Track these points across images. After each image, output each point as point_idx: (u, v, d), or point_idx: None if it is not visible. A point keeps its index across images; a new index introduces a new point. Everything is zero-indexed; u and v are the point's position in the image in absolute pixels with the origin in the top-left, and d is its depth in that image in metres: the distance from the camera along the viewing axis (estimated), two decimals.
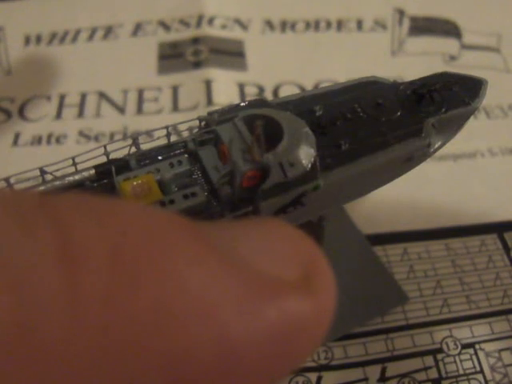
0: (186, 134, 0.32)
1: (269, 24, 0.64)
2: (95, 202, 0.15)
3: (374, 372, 0.38)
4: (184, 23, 0.64)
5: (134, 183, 0.26)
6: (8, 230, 0.13)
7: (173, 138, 0.30)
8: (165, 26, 0.64)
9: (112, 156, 0.29)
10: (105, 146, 0.28)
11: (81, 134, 0.53)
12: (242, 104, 0.29)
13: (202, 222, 0.17)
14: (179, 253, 0.15)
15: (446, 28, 0.65)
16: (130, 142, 0.29)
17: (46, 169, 0.28)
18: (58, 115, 0.55)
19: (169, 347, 0.14)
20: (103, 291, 0.13)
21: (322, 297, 0.17)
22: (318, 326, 0.17)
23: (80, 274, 0.13)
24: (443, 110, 0.32)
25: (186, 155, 0.28)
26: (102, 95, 0.56)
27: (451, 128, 0.32)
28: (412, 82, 0.33)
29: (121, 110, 0.55)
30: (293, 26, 0.64)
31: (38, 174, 0.27)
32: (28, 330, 0.13)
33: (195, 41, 0.62)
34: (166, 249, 0.15)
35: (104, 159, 0.28)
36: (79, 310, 0.13)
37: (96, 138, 0.52)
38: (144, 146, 0.29)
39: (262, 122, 0.25)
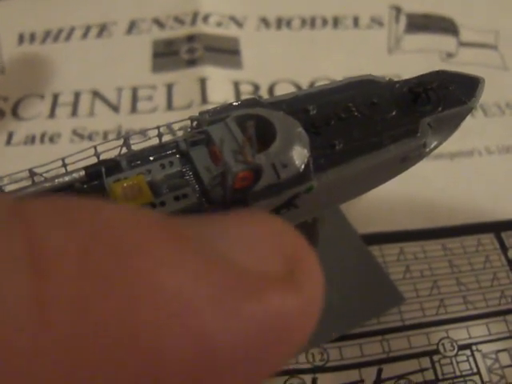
0: (179, 133, 0.31)
1: (264, 21, 0.64)
2: (67, 205, 0.15)
3: (369, 374, 0.37)
4: (179, 21, 0.63)
5: (125, 185, 0.26)
6: None
7: (166, 138, 0.29)
8: (159, 23, 0.63)
9: (103, 156, 0.28)
10: (95, 147, 0.28)
11: (74, 133, 0.52)
12: (235, 104, 0.29)
13: (180, 218, 0.17)
14: (151, 252, 0.15)
15: (443, 25, 0.65)
16: (121, 142, 0.28)
17: (36, 170, 0.27)
18: (52, 114, 0.54)
19: (144, 350, 0.14)
20: (71, 297, 0.13)
21: (308, 290, 0.17)
22: (304, 322, 0.16)
23: (48, 281, 0.13)
24: (439, 109, 0.31)
25: (178, 156, 0.28)
26: (96, 94, 0.56)
27: (447, 127, 0.32)
28: (408, 81, 0.32)
29: (115, 108, 0.55)
30: (288, 23, 0.64)
31: (28, 175, 0.27)
32: None
33: (190, 38, 0.61)
34: (137, 249, 0.14)
35: (95, 160, 0.28)
36: (48, 318, 0.13)
37: (90, 137, 0.52)
38: (135, 147, 0.28)
39: (254, 122, 0.24)
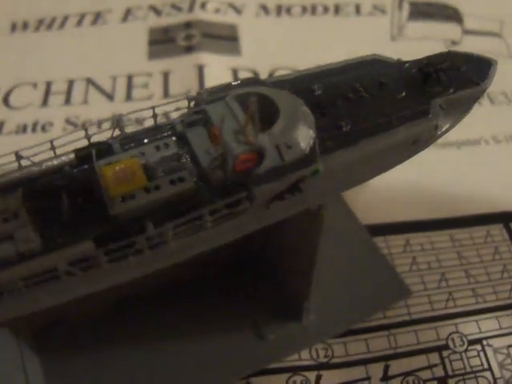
0: (175, 115, 0.29)
1: (264, 8, 0.62)
2: None
3: (376, 370, 0.36)
4: (176, 7, 0.62)
5: (117, 168, 0.24)
6: None
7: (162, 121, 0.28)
8: (156, 10, 0.62)
9: (95, 139, 0.27)
10: (86, 129, 0.26)
11: (68, 121, 0.51)
12: (234, 83, 0.27)
13: None
14: None
15: (447, 13, 0.63)
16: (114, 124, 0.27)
17: (23, 153, 0.26)
18: (44, 103, 0.53)
19: None
20: None
21: None
22: None
23: None
24: (451, 90, 0.30)
25: (174, 138, 0.26)
26: (90, 82, 0.54)
27: (459, 109, 0.31)
28: (417, 61, 0.31)
29: (109, 96, 0.53)
30: (289, 10, 0.62)
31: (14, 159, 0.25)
32: None
33: (187, 25, 0.59)
34: None
35: (86, 143, 0.26)
36: None
37: (83, 126, 0.50)
38: (129, 129, 0.27)
39: (257, 98, 0.23)
